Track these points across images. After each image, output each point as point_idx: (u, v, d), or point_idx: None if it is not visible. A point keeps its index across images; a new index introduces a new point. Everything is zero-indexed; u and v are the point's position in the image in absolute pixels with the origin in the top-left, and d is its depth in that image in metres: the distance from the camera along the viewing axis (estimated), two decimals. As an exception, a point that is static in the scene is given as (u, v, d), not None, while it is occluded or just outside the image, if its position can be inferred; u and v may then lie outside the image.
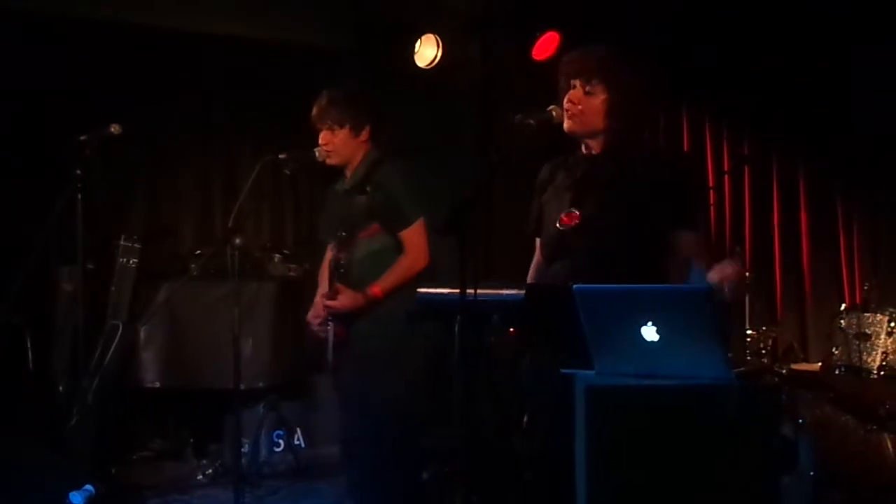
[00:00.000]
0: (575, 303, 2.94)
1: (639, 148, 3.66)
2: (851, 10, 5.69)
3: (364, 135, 4.68)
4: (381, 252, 4.55)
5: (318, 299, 4.71)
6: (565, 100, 3.63)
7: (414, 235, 4.54)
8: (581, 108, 3.60)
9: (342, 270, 4.52)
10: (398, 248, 4.57)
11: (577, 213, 3.61)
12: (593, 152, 3.69)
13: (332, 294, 4.51)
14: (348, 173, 4.72)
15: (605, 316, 2.93)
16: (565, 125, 3.62)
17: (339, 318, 4.56)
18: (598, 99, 3.60)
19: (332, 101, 4.63)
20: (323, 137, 4.65)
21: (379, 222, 4.55)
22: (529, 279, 3.78)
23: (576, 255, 3.58)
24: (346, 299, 4.50)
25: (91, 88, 6.49)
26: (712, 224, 6.60)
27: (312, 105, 4.67)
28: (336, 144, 4.64)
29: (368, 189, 4.58)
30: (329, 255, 4.82)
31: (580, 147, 3.73)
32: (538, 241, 3.85)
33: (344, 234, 4.56)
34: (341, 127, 4.62)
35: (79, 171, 5.18)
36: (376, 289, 4.50)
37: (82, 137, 5.16)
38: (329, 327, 4.59)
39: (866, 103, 5.82)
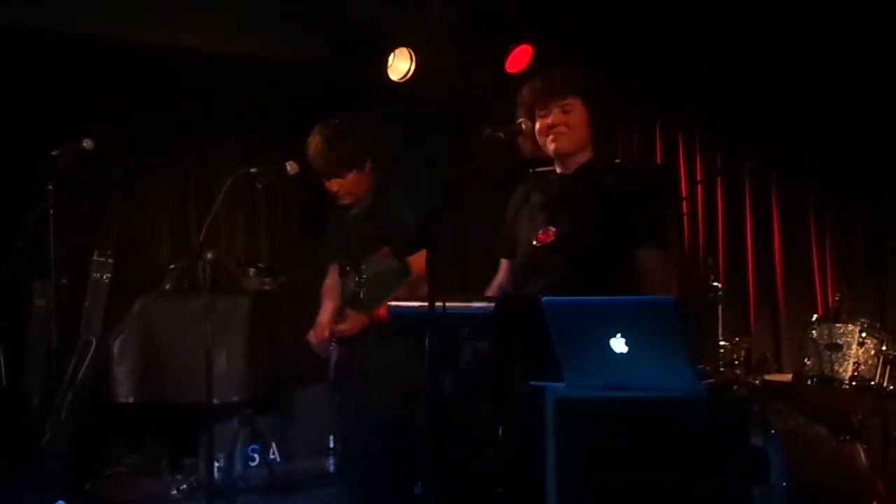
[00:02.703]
0: (545, 315, 2.95)
1: (612, 164, 3.69)
2: (823, 21, 5.74)
3: (367, 167, 4.76)
4: (388, 274, 4.68)
5: (321, 319, 4.79)
6: (545, 127, 3.67)
7: (421, 261, 4.57)
8: (566, 125, 3.65)
9: (361, 296, 4.61)
10: (405, 271, 4.67)
11: (553, 230, 3.64)
12: (567, 172, 3.73)
13: (341, 318, 4.63)
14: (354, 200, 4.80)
15: (575, 328, 2.94)
16: (552, 149, 3.69)
17: (344, 340, 4.67)
18: (578, 114, 3.66)
19: (330, 149, 4.67)
20: (333, 186, 4.75)
21: (389, 246, 4.67)
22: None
23: (551, 272, 3.62)
24: (353, 323, 4.63)
25: (64, 102, 6.47)
26: (686, 235, 6.63)
27: (308, 154, 4.71)
28: (348, 187, 4.76)
29: (379, 215, 4.72)
30: (330, 277, 4.89)
31: (555, 167, 3.77)
32: (504, 262, 3.89)
33: (356, 259, 4.64)
34: (348, 171, 4.70)
35: (51, 186, 5.17)
36: (382, 311, 4.54)
37: (55, 152, 5.15)
38: (333, 348, 4.69)
39: (838, 115, 5.85)
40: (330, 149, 4.66)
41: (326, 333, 4.73)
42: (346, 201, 4.78)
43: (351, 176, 4.71)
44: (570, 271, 3.58)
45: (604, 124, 3.70)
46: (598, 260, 3.54)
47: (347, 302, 4.64)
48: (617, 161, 3.81)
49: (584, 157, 3.71)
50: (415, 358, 4.45)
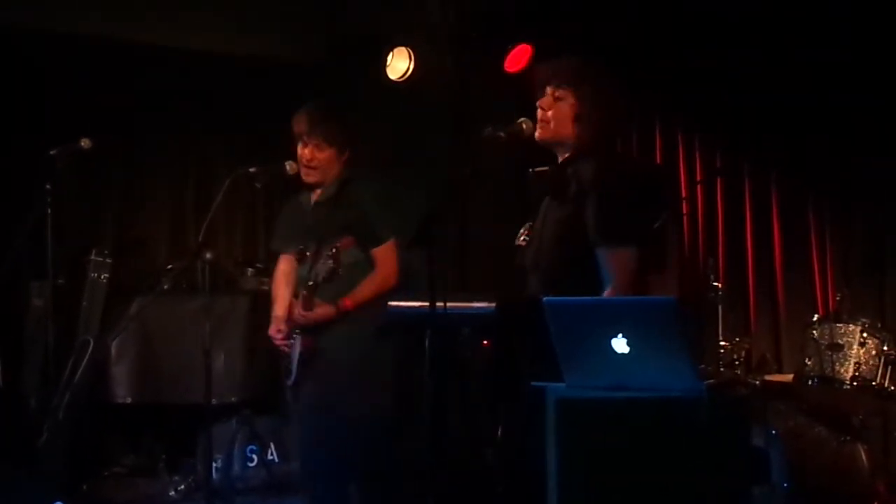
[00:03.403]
0: (545, 315, 2.94)
1: (598, 160, 3.52)
2: (823, 21, 5.73)
3: (345, 156, 4.69)
4: (353, 265, 4.54)
5: (277, 313, 4.71)
6: (538, 108, 3.62)
7: (385, 254, 4.56)
8: (550, 113, 3.58)
9: (311, 283, 4.47)
10: (370, 261, 4.58)
11: (525, 230, 3.63)
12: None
13: (308, 305, 4.49)
14: (318, 189, 4.71)
15: (576, 328, 2.92)
16: (536, 134, 3.59)
17: (308, 330, 4.54)
18: (567, 104, 3.57)
19: (322, 118, 4.61)
20: (308, 153, 4.63)
21: (351, 235, 4.54)
22: None
23: (528, 270, 3.59)
24: (318, 310, 4.49)
25: (64, 102, 6.46)
26: (686, 235, 6.62)
27: (296, 116, 4.65)
28: (321, 162, 4.63)
29: (343, 204, 4.60)
30: (283, 265, 4.83)
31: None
32: None
33: (317, 245, 4.54)
34: (329, 146, 4.62)
35: (49, 186, 5.16)
36: (347, 301, 4.51)
37: (53, 152, 5.13)
38: (295, 340, 4.58)
39: (838, 115, 5.84)
40: (320, 118, 4.59)
41: (285, 326, 4.60)
42: (310, 178, 4.65)
43: (328, 152, 4.61)
44: (536, 270, 3.56)
45: (593, 118, 3.56)
46: (559, 258, 3.48)
47: (311, 287, 4.46)
48: (600, 157, 3.58)
49: (575, 148, 3.59)
50: (386, 355, 4.45)
